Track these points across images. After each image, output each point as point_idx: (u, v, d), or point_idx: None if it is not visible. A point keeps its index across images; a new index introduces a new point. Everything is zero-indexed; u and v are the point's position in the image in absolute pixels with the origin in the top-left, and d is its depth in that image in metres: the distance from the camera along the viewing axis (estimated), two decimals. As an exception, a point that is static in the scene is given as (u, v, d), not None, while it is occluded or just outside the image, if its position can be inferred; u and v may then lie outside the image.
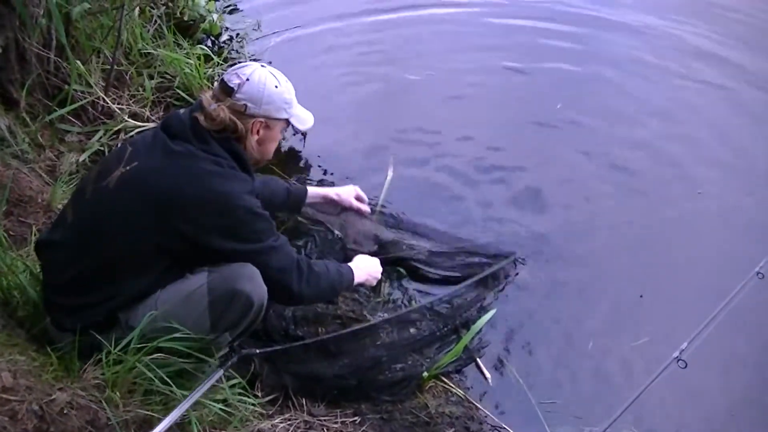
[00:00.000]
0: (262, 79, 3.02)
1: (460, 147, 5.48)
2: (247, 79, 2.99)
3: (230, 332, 3.09)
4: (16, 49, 4.34)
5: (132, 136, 4.79)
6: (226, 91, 2.99)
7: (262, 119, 3.06)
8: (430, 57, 6.54)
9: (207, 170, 2.86)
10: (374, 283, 3.83)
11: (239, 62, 5.73)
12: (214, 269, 3.00)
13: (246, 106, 2.99)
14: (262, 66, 3.08)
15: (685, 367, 3.14)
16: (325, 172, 4.99)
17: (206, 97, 3.03)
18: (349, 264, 3.64)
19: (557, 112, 5.98)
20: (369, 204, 4.43)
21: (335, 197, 4.23)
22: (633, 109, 6.17)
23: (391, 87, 6.12)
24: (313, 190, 4.17)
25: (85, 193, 2.99)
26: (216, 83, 3.12)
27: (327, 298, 3.75)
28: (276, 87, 3.05)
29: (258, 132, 3.09)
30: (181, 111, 3.10)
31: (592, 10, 7.84)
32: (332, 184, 4.72)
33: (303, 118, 3.29)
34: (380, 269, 3.84)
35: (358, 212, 4.33)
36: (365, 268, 3.72)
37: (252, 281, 3.04)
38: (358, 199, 4.33)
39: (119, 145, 3.38)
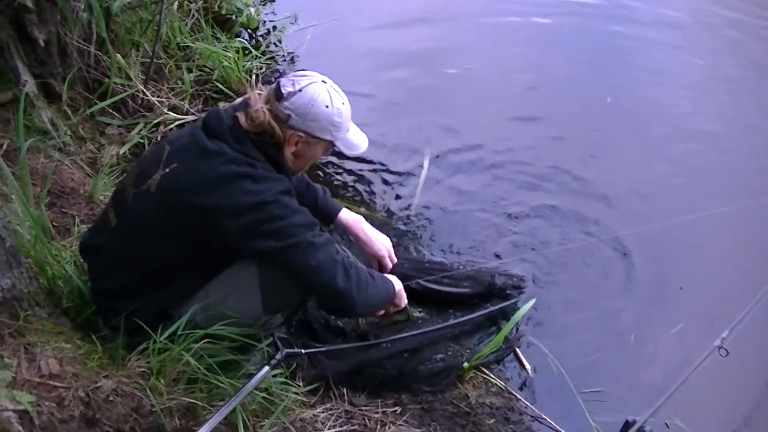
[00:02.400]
0: (315, 95, 2.88)
1: (499, 144, 5.46)
2: (300, 90, 2.88)
3: (282, 313, 3.11)
4: (57, 44, 4.38)
5: (171, 129, 4.82)
6: (278, 95, 2.89)
7: (302, 134, 2.93)
8: (470, 50, 6.50)
9: (238, 172, 2.79)
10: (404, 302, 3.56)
11: (278, 56, 5.81)
12: None
13: (290, 116, 2.88)
14: (324, 81, 2.95)
15: (727, 355, 3.12)
16: (359, 159, 4.99)
17: (254, 95, 2.94)
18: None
19: (607, 107, 5.93)
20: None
21: (364, 245, 3.67)
22: (689, 110, 6.13)
23: (429, 80, 6.10)
24: (346, 218, 3.67)
25: (126, 197, 2.98)
26: (273, 84, 2.98)
27: (379, 303, 3.36)
28: (326, 107, 2.90)
29: (296, 145, 2.96)
30: (224, 107, 3.06)
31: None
32: (365, 180, 4.75)
33: (353, 143, 3.11)
34: (403, 295, 3.52)
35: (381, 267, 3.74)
36: (396, 282, 3.46)
37: None
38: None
39: (156, 144, 3.31)
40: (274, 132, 2.87)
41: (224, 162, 2.79)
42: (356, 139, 3.13)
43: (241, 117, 2.88)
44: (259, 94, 2.96)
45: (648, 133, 5.71)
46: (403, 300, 3.50)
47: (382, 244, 3.63)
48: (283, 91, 2.88)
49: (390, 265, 3.65)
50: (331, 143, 3.05)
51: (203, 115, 3.08)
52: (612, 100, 5.97)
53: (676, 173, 5.32)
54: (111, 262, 2.99)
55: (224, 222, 2.77)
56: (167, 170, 2.86)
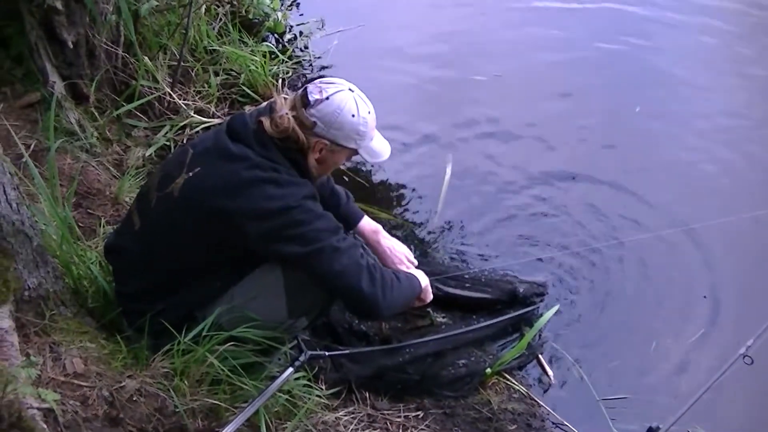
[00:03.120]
0: (342, 104, 2.87)
1: (524, 151, 5.44)
2: (327, 98, 2.86)
3: (307, 316, 3.12)
4: (86, 45, 4.41)
5: (197, 132, 4.83)
6: (304, 102, 2.88)
7: (327, 142, 2.93)
8: (499, 57, 6.41)
9: (262, 177, 2.79)
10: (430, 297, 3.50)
11: (304, 61, 5.82)
12: None
13: (315, 123, 2.87)
14: (351, 90, 2.94)
15: (752, 363, 3.10)
16: (382, 169, 5.00)
17: (280, 101, 2.94)
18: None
19: (636, 116, 5.90)
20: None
21: (382, 257, 3.59)
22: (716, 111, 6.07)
23: (455, 87, 6.06)
24: (366, 227, 3.65)
25: (150, 201, 2.99)
26: (300, 90, 2.98)
27: (405, 303, 3.33)
28: (352, 116, 2.89)
29: (320, 152, 2.95)
30: (249, 111, 3.06)
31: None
32: (387, 185, 4.77)
33: (376, 151, 3.11)
34: (429, 291, 3.48)
35: None
36: (423, 277, 3.44)
37: None
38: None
39: (180, 147, 3.31)
40: (298, 138, 2.87)
41: (249, 167, 2.79)
42: (379, 147, 3.13)
43: (266, 122, 2.88)
44: (285, 99, 2.97)
45: (676, 140, 5.66)
46: (429, 295, 3.46)
47: (399, 255, 3.58)
48: (310, 98, 2.87)
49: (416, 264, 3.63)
50: (354, 151, 3.05)
51: (227, 119, 3.09)
52: (641, 110, 5.92)
53: (705, 179, 5.29)
54: (135, 264, 3.02)
55: (248, 226, 2.78)
56: (191, 174, 2.87)
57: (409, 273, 3.38)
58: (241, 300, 2.96)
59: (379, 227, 3.66)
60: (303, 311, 3.07)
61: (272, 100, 3.00)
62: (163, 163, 3.22)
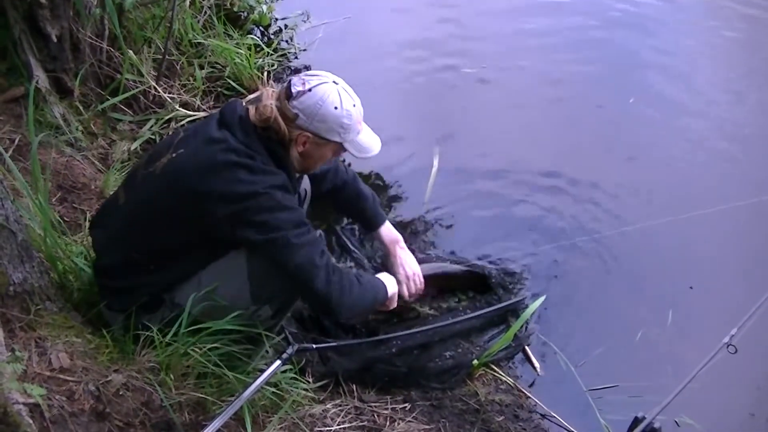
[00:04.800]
0: (324, 96, 2.86)
1: (512, 142, 5.45)
2: (309, 90, 2.86)
3: (270, 304, 3.09)
4: (70, 39, 4.39)
5: (183, 125, 4.81)
6: (288, 93, 2.88)
7: (310, 134, 2.92)
8: (487, 49, 6.43)
9: (235, 161, 2.79)
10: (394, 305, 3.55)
11: (290, 54, 5.82)
12: None
13: (297, 115, 2.87)
14: (335, 83, 2.92)
15: (735, 352, 3.11)
16: (368, 161, 4.99)
17: (268, 92, 2.94)
18: (382, 274, 3.50)
19: (630, 107, 5.91)
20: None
21: (392, 265, 3.68)
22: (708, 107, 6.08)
23: (443, 79, 6.06)
24: (386, 234, 3.73)
25: (136, 177, 3.04)
26: (285, 82, 2.96)
27: (363, 308, 3.36)
28: (335, 108, 2.87)
29: (303, 144, 2.96)
30: (246, 99, 3.06)
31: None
32: (375, 177, 4.83)
33: (363, 145, 3.09)
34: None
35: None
36: (391, 285, 3.49)
37: None
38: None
39: (176, 129, 3.32)
40: (279, 128, 2.88)
41: (224, 150, 2.81)
42: (367, 142, 3.11)
43: (252, 109, 2.90)
44: (272, 90, 2.96)
45: (668, 130, 5.68)
46: (394, 302, 3.52)
47: (408, 271, 3.67)
48: (293, 90, 2.87)
49: (406, 293, 3.66)
50: (340, 145, 3.03)
51: (223, 106, 3.08)
52: (634, 101, 5.92)
53: (690, 170, 5.31)
54: (114, 239, 3.04)
55: (216, 208, 2.80)
56: (174, 155, 2.91)
57: (376, 278, 3.43)
58: (207, 284, 2.96)
59: (400, 238, 3.76)
60: (266, 299, 3.05)
61: (261, 91, 3.01)
62: (156, 144, 3.25)
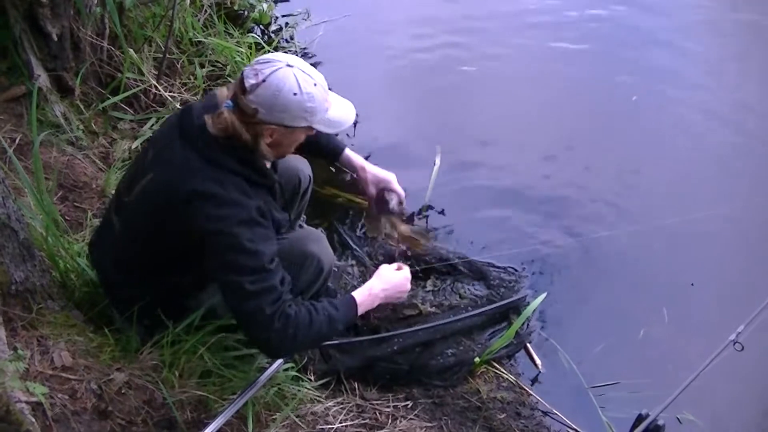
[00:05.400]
0: (280, 84, 2.62)
1: (513, 139, 5.44)
2: (264, 80, 2.61)
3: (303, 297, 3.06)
4: (71, 38, 4.38)
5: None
6: (242, 88, 2.65)
7: (275, 126, 2.70)
8: (487, 47, 6.40)
9: (201, 192, 2.65)
10: (402, 299, 3.39)
11: (290, 52, 5.78)
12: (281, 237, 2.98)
13: (257, 110, 2.64)
14: (290, 65, 2.66)
15: (742, 350, 3.10)
16: (368, 157, 5.00)
17: (221, 93, 2.76)
18: (356, 292, 3.11)
19: (632, 105, 5.89)
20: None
21: (372, 178, 3.61)
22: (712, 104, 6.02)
23: (443, 76, 6.04)
24: (350, 156, 3.60)
25: (123, 200, 2.94)
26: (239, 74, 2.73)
27: (314, 344, 3.30)
28: (294, 95, 2.63)
29: (271, 136, 2.74)
30: (199, 105, 2.86)
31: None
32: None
33: (334, 120, 2.86)
34: (407, 283, 3.32)
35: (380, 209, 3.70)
36: (383, 285, 3.21)
37: (319, 244, 3.14)
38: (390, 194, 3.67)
39: (144, 145, 3.18)
40: (240, 136, 2.69)
41: (189, 177, 2.69)
42: (338, 116, 2.88)
43: (208, 121, 2.71)
44: (227, 88, 2.80)
45: (671, 129, 5.66)
46: (400, 298, 3.37)
47: (386, 175, 3.63)
48: (246, 84, 2.64)
49: (402, 192, 3.65)
50: (310, 128, 2.82)
51: (181, 110, 2.94)
52: (638, 98, 5.91)
53: (693, 170, 5.30)
54: (117, 261, 2.98)
55: (192, 235, 2.72)
56: (144, 181, 2.82)
57: (342, 302, 3.04)
58: None
59: (364, 162, 3.66)
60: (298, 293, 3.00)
61: (213, 92, 2.88)
62: (132, 163, 3.17)
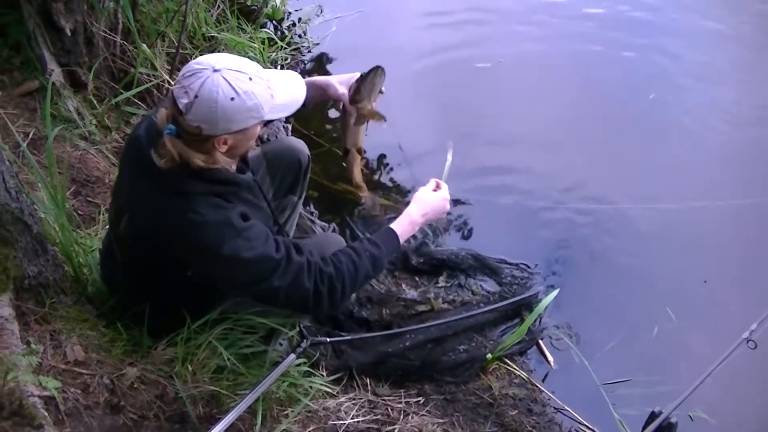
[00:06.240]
0: (213, 94, 2.41)
1: (527, 136, 5.40)
2: (196, 97, 2.41)
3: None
4: (84, 33, 4.39)
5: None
6: (177, 110, 2.46)
7: (225, 136, 2.53)
8: (502, 44, 6.36)
9: (179, 227, 2.57)
10: (443, 215, 3.31)
11: (303, 48, 5.78)
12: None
13: (200, 128, 2.46)
14: (216, 70, 2.44)
15: (755, 348, 3.09)
16: (384, 157, 5.01)
17: (161, 116, 2.56)
18: (394, 223, 3.07)
19: (650, 103, 5.84)
20: None
21: (333, 89, 3.28)
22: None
23: (456, 73, 6.00)
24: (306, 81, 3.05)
25: (116, 232, 2.88)
26: (169, 94, 2.61)
27: (366, 283, 3.35)
28: (232, 99, 2.44)
29: (225, 143, 2.56)
30: (144, 137, 2.68)
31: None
32: (387, 171, 4.92)
33: (283, 105, 2.70)
34: (445, 204, 3.22)
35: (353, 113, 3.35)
36: (422, 210, 3.14)
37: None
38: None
39: (119, 174, 3.02)
40: (190, 162, 2.52)
41: (162, 217, 2.60)
42: (286, 99, 2.72)
43: (155, 158, 2.54)
44: (165, 111, 2.56)
45: (690, 124, 5.62)
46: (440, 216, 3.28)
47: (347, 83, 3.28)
48: (180, 105, 2.44)
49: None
50: (262, 122, 2.64)
51: (129, 144, 2.85)
52: (655, 96, 5.88)
53: (711, 163, 5.28)
54: (128, 289, 2.97)
55: (192, 268, 2.72)
56: (126, 219, 2.75)
57: (378, 237, 3.02)
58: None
59: (327, 80, 3.31)
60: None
61: (153, 114, 2.73)
62: (113, 190, 3.09)
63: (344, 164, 3.57)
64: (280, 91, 2.67)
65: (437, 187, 3.25)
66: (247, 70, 2.52)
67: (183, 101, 2.43)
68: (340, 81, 3.28)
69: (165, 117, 2.54)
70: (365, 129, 3.45)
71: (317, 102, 3.32)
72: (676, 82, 6.07)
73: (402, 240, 3.03)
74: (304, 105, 3.00)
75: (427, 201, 3.17)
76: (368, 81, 3.26)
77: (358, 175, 3.59)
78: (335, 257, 2.81)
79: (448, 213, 3.35)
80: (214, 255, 2.55)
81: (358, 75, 3.28)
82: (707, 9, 7.09)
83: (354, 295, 3.81)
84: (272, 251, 2.64)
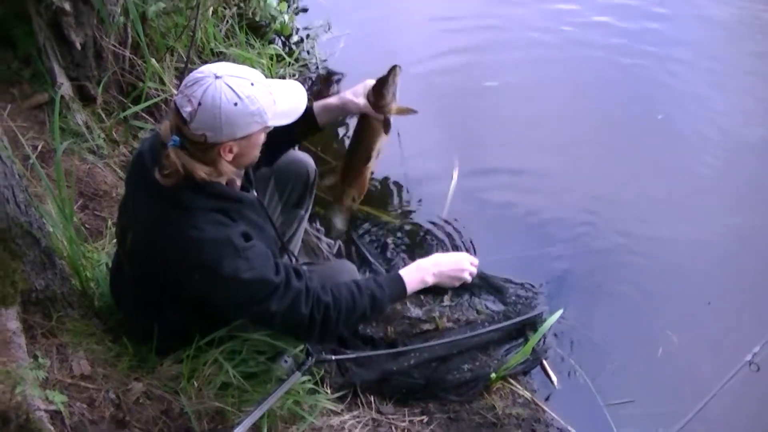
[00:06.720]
0: (216, 101, 2.43)
1: (534, 158, 5.33)
2: (200, 104, 2.43)
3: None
4: (93, 47, 4.41)
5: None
6: (182, 120, 2.48)
7: (230, 142, 2.54)
8: (512, 63, 6.31)
9: (180, 242, 2.57)
10: (462, 277, 3.23)
11: (311, 64, 5.79)
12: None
13: (205, 135, 2.48)
14: (217, 76, 2.46)
15: (758, 370, 3.10)
16: (387, 179, 5.01)
17: (164, 128, 2.59)
18: (403, 269, 3.09)
19: (657, 124, 5.81)
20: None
21: (353, 96, 3.38)
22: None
23: (464, 91, 5.99)
24: (323, 106, 3.32)
25: (123, 248, 2.90)
26: (172, 104, 2.59)
27: (360, 324, 3.38)
28: (235, 105, 2.45)
29: (231, 151, 2.57)
30: (148, 152, 2.71)
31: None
32: (393, 188, 4.94)
33: (286, 111, 2.70)
34: (463, 260, 3.24)
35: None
36: (434, 260, 3.15)
37: (351, 277, 3.14)
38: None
39: (124, 194, 3.02)
40: (194, 173, 2.53)
41: (164, 230, 2.62)
42: (288, 107, 2.71)
43: (157, 175, 2.55)
44: (168, 124, 2.59)
45: (695, 146, 5.60)
46: (456, 282, 3.25)
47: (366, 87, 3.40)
48: (184, 114, 2.47)
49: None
50: (265, 127, 2.64)
51: (135, 159, 2.86)
52: (663, 117, 5.87)
53: (713, 186, 5.26)
54: (142, 310, 2.97)
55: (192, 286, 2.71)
56: (131, 235, 2.77)
57: (386, 280, 3.03)
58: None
59: (339, 97, 3.41)
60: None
61: (156, 129, 2.79)
62: (119, 206, 3.06)
63: (350, 175, 3.71)
64: (282, 98, 2.67)
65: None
66: (249, 76, 2.55)
67: (187, 109, 2.46)
68: (354, 93, 3.36)
69: (168, 128, 2.56)
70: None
71: (334, 122, 3.34)
72: (686, 96, 6.06)
73: (409, 288, 3.02)
74: (320, 129, 3.20)
75: (444, 256, 3.25)
76: (390, 81, 3.35)
77: (364, 187, 3.68)
78: (336, 288, 2.81)
79: (466, 281, 3.28)
80: (213, 273, 2.57)
81: (368, 81, 3.36)
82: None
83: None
84: (272, 274, 2.64)
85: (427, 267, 3.09)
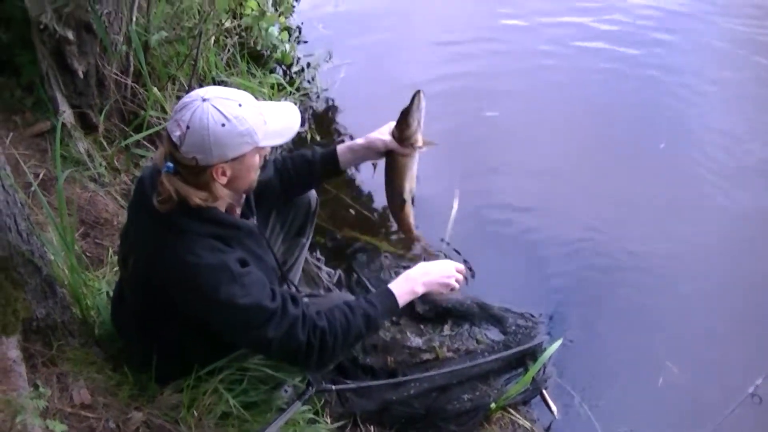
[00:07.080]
0: (204, 123, 2.42)
1: (535, 188, 5.38)
2: (188, 127, 2.43)
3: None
4: (96, 75, 4.44)
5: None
6: (173, 145, 2.49)
7: (221, 164, 2.53)
8: (512, 93, 6.37)
9: (177, 265, 2.56)
10: (450, 286, 3.14)
11: (312, 93, 5.82)
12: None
13: (195, 158, 2.47)
14: (204, 99, 2.46)
15: (760, 403, 3.10)
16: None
17: (159, 156, 2.62)
18: (392, 283, 3.03)
19: (660, 153, 5.84)
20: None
21: (375, 138, 3.32)
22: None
23: (465, 121, 6.00)
24: (347, 150, 3.31)
25: (124, 274, 2.93)
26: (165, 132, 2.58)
27: (358, 342, 3.18)
28: (223, 126, 2.44)
29: (224, 174, 2.57)
30: (148, 179, 2.71)
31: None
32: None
33: (277, 131, 2.66)
34: (450, 268, 3.15)
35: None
36: (422, 270, 3.09)
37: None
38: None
39: (127, 218, 3.03)
40: (189, 198, 2.54)
41: (161, 254, 2.61)
42: (280, 124, 2.68)
43: (154, 201, 2.56)
44: (161, 151, 2.61)
45: (697, 175, 5.62)
46: (444, 289, 3.15)
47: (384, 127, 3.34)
48: (174, 138, 2.47)
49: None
50: (257, 148, 2.61)
51: (136, 186, 2.84)
52: (665, 146, 5.88)
53: (720, 214, 5.27)
54: (143, 337, 2.95)
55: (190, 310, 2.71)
56: (132, 260, 2.77)
57: (380, 298, 2.96)
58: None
59: (364, 139, 3.35)
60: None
61: (154, 159, 2.80)
62: (121, 233, 3.09)
63: (393, 217, 3.67)
64: (274, 118, 2.65)
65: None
66: (237, 98, 2.53)
67: (176, 134, 2.46)
68: (379, 132, 3.32)
69: (162, 155, 2.57)
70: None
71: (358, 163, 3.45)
72: (688, 120, 6.14)
73: (401, 301, 2.96)
74: (342, 171, 3.27)
75: (431, 264, 3.15)
76: (414, 108, 3.26)
77: (412, 223, 3.63)
78: (330, 312, 2.78)
79: (454, 288, 3.18)
80: (209, 299, 2.56)
81: (391, 123, 3.30)
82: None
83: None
84: (267, 300, 2.63)
85: (416, 277, 3.05)
